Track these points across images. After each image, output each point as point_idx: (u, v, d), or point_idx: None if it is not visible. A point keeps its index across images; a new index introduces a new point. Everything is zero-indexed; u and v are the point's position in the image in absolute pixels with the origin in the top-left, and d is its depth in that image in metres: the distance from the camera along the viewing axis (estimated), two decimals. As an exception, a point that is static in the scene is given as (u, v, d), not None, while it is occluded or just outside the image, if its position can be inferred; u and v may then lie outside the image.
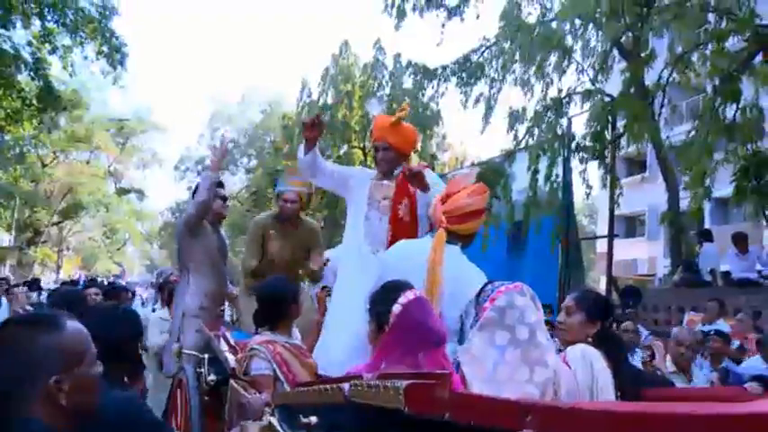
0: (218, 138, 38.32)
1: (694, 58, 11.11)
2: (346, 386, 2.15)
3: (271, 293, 3.78)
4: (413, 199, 4.20)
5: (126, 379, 2.95)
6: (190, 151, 39.24)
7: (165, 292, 7.65)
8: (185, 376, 4.30)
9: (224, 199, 5.35)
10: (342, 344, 3.81)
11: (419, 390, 1.72)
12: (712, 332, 7.59)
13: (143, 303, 11.05)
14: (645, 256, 27.96)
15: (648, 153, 25.68)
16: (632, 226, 30.10)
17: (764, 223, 11.87)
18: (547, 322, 3.12)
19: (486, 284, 2.99)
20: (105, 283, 16.51)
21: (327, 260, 5.24)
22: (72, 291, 5.20)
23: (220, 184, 5.33)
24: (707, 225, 16.06)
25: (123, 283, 21.48)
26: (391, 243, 3.90)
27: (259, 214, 6.42)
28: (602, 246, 27.00)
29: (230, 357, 3.85)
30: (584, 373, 3.11)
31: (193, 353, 4.45)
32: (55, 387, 1.72)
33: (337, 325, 3.97)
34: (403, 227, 4.07)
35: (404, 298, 2.61)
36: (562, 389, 2.81)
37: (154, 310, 7.83)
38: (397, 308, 2.58)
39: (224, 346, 4.09)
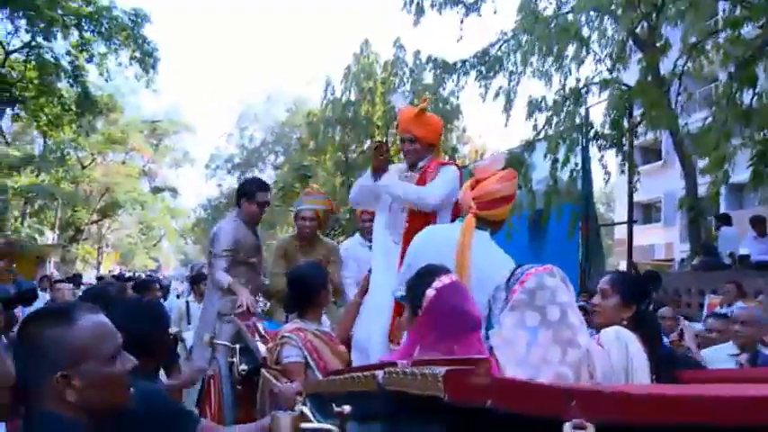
0: (246, 136, 38.59)
1: (708, 46, 10.82)
2: (380, 374, 2.01)
3: (300, 278, 3.66)
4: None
5: (163, 371, 2.84)
6: (219, 150, 39.38)
7: (200, 285, 7.59)
8: (218, 366, 4.22)
9: (264, 204, 5.14)
10: (371, 335, 3.75)
11: (459, 376, 1.56)
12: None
13: (178, 296, 11.00)
14: (662, 241, 27.57)
15: (664, 141, 25.32)
16: (649, 212, 29.73)
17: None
18: (580, 308, 2.98)
19: (515, 268, 2.84)
20: (143, 277, 16.57)
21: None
22: (101, 287, 5.09)
23: (264, 187, 5.19)
24: (722, 210, 15.79)
25: (161, 278, 21.64)
26: (407, 234, 3.81)
27: (287, 209, 6.34)
28: (620, 232, 26.72)
29: (261, 347, 3.74)
30: (618, 355, 2.96)
31: (225, 343, 4.34)
32: (62, 381, 1.60)
33: (367, 316, 3.88)
34: (418, 217, 3.92)
35: (438, 282, 2.45)
36: (597, 370, 2.67)
37: (187, 303, 7.77)
38: (431, 292, 2.43)
39: (255, 336, 3.98)
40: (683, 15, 8.96)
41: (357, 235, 5.41)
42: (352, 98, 26.73)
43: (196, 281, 7.85)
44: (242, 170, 38.58)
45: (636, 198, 23.31)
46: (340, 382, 2.38)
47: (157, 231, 43.45)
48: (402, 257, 3.63)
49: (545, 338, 2.51)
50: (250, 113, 39.06)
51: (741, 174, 11.01)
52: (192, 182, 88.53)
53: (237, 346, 4.06)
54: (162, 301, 8.65)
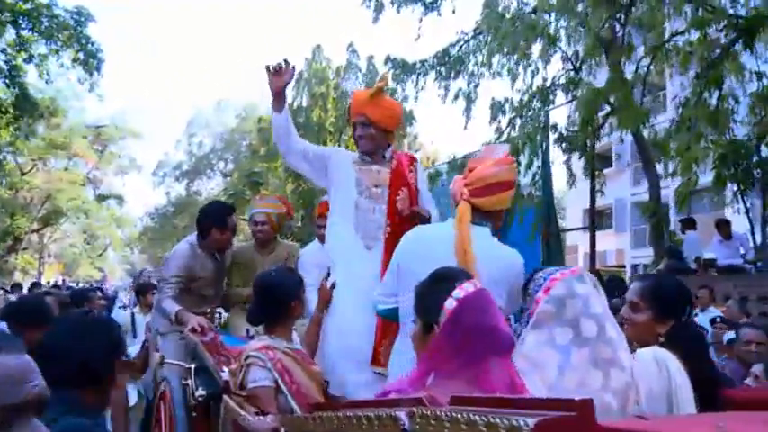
0: (195, 143, 37.60)
1: (672, 47, 10.60)
2: (403, 416, 1.41)
3: (269, 286, 3.02)
4: (412, 189, 3.55)
5: (95, 400, 2.16)
6: (168, 157, 38.42)
7: (147, 296, 6.89)
8: (169, 388, 3.55)
9: (235, 229, 4.61)
10: (338, 351, 3.29)
11: (561, 427, 1.00)
12: (717, 319, 7.06)
13: (124, 307, 10.15)
14: (613, 247, 27.69)
15: (613, 148, 25.49)
16: (600, 219, 29.85)
17: (743, 209, 11.38)
18: None
19: (535, 272, 2.36)
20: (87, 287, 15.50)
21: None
22: (35, 299, 4.35)
23: (233, 210, 4.68)
24: (672, 215, 15.73)
25: (106, 288, 20.51)
26: (389, 240, 3.29)
27: (239, 217, 5.80)
28: (570, 238, 26.82)
29: (222, 368, 3.10)
30: (659, 380, 2.40)
31: (178, 363, 3.68)
32: None
33: (338, 337, 3.34)
34: (403, 221, 3.38)
35: (460, 290, 1.88)
36: (642, 396, 2.19)
37: (133, 315, 7.02)
38: (451, 303, 1.86)
39: (215, 355, 3.37)
40: (652, 14, 8.63)
41: (316, 241, 4.79)
42: (304, 104, 26.53)
43: (142, 291, 7.08)
44: (190, 177, 37.65)
45: (585, 205, 23.39)
46: (336, 421, 1.76)
47: (103, 241, 41.91)
48: (385, 266, 3.08)
49: (580, 359, 2.11)
50: (200, 120, 38.29)
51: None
52: (138, 190, 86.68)
53: (193, 365, 3.43)
54: (106, 312, 7.84)
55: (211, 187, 37.43)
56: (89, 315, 2.46)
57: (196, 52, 79.63)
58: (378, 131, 3.54)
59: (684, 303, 2.71)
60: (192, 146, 38.04)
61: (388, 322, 3.05)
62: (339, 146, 26.24)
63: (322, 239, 4.39)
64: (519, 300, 2.52)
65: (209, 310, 4.52)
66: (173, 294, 4.20)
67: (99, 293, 6.78)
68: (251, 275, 4.49)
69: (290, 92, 16.55)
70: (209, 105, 39.06)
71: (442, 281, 1.95)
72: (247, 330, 3.99)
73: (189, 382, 3.32)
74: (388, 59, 13.60)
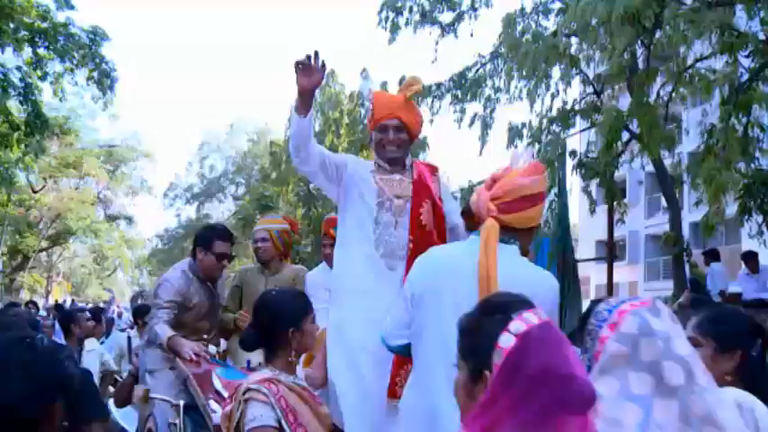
0: (207, 166, 37.49)
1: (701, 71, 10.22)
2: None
3: (265, 308, 2.56)
4: (437, 201, 3.17)
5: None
6: (179, 179, 38.32)
7: (145, 318, 6.45)
8: (154, 425, 3.10)
9: (223, 257, 4.14)
10: (351, 391, 2.90)
11: None
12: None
13: (124, 330, 9.73)
14: (626, 280, 27.09)
15: (627, 178, 25.09)
16: (612, 250, 29.37)
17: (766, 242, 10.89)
18: None
19: (595, 303, 2.03)
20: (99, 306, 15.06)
21: None
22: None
23: (224, 236, 4.18)
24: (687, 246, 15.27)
25: (116, 309, 20.06)
26: (411, 259, 2.81)
27: (248, 241, 5.49)
28: (582, 270, 26.22)
29: (215, 407, 2.68)
30: (744, 428, 1.95)
31: (165, 398, 3.22)
32: None
33: (344, 368, 2.94)
34: (426, 237, 3.01)
35: (519, 322, 1.42)
36: None
37: (129, 338, 6.59)
38: (507, 340, 1.39)
39: (207, 391, 2.92)
40: (676, 36, 8.23)
41: (323, 263, 4.38)
42: (317, 128, 26.43)
43: (139, 313, 6.63)
44: (201, 200, 37.52)
45: (598, 236, 23.00)
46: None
47: (112, 261, 41.69)
48: None
49: (666, 415, 1.66)
50: (212, 142, 38.26)
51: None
52: (149, 211, 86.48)
53: (181, 402, 2.99)
54: (104, 337, 7.34)
55: (222, 210, 37.34)
56: (22, 341, 1.70)
57: (210, 75, 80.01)
58: (409, 138, 3.18)
59: (752, 333, 2.32)
60: (203, 168, 38.04)
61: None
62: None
63: (329, 260, 4.00)
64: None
65: (205, 336, 4.08)
66: (166, 320, 3.80)
67: (88, 315, 6.26)
68: (252, 299, 4.16)
69: None
70: (221, 128, 39.00)
71: (493, 311, 1.49)
72: (248, 362, 3.67)
73: (177, 421, 2.86)
74: (402, 81, 13.26)
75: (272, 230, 4.35)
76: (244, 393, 2.36)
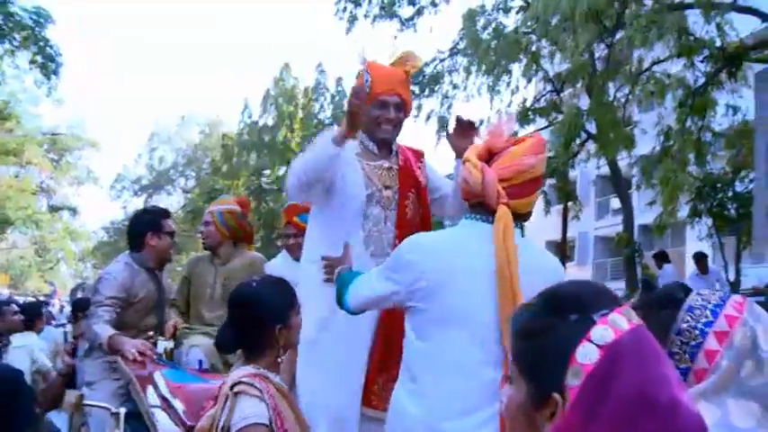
0: (156, 157, 36.57)
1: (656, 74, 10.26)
2: None
3: (246, 301, 2.17)
4: (422, 191, 2.83)
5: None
6: (127, 170, 37.28)
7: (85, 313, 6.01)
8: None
9: (173, 234, 3.79)
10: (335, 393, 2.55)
11: None
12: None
13: (62, 325, 9.17)
14: (574, 280, 27.34)
15: (579, 179, 25.37)
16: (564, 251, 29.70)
17: (717, 243, 11.04)
18: None
19: (687, 296, 1.54)
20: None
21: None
22: None
23: (168, 214, 3.91)
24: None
25: (56, 303, 19.24)
26: None
27: (196, 235, 5.03)
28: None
29: (161, 416, 2.36)
30: None
31: (101, 405, 2.88)
32: None
33: (325, 368, 2.58)
34: (411, 228, 2.65)
35: (604, 327, 1.00)
36: None
37: (65, 334, 6.13)
38: (589, 353, 0.99)
39: (153, 396, 2.55)
40: (644, 34, 8.18)
41: (284, 252, 3.97)
42: (270, 123, 25.99)
43: (79, 307, 6.17)
44: (149, 192, 36.63)
45: (548, 237, 23.17)
46: None
47: (54, 254, 40.30)
48: None
49: None
50: (162, 134, 37.36)
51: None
52: (95, 202, 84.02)
53: (122, 410, 2.71)
54: (39, 331, 6.84)
55: (171, 203, 36.42)
56: None
57: (161, 65, 77.81)
58: (405, 118, 2.82)
59: None
60: (152, 160, 37.10)
61: (385, 353, 2.41)
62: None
63: (293, 251, 3.69)
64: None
65: (151, 333, 3.60)
66: (107, 319, 3.39)
67: (15, 307, 5.78)
68: (200, 292, 3.85)
69: (255, 109, 15.95)
70: (172, 120, 38.08)
71: (566, 309, 1.04)
72: (200, 362, 3.38)
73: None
74: (358, 76, 13.01)
75: (214, 212, 3.90)
76: (233, 387, 2.00)
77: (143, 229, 3.68)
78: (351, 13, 12.22)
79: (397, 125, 2.76)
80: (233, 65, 62.85)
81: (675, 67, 10.28)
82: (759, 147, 9.40)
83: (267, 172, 26.21)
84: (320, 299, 2.52)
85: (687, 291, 1.56)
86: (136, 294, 3.54)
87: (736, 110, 10.61)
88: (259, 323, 2.11)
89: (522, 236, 2.08)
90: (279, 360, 2.14)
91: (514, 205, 1.98)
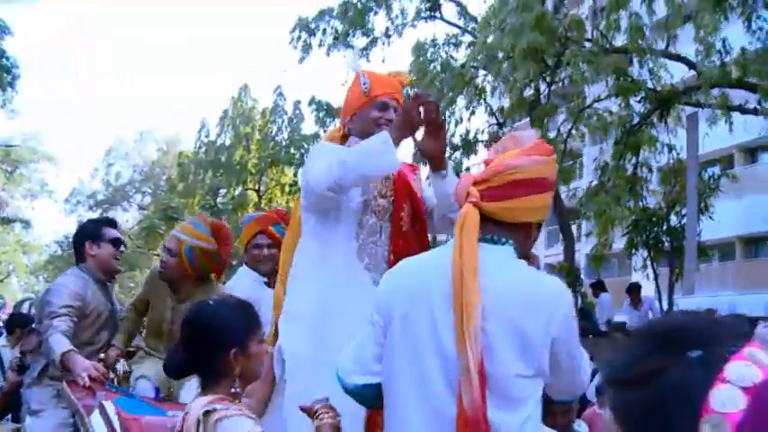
0: (113, 173, 36.04)
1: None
2: None
3: (197, 321, 1.95)
4: (418, 204, 2.58)
5: None
6: (82, 185, 36.58)
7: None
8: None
9: (118, 243, 3.53)
10: None
11: None
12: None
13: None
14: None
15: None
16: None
17: (652, 274, 11.41)
18: None
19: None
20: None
21: None
22: None
23: (111, 222, 3.69)
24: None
25: (4, 316, 18.68)
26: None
27: (151, 251, 4.63)
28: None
29: None
30: None
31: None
32: None
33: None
34: (407, 243, 2.45)
35: (746, 364, 0.76)
36: None
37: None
38: (730, 398, 0.74)
39: (100, 426, 2.37)
40: (582, 74, 8.53)
41: (245, 268, 3.49)
42: (227, 142, 25.94)
43: (14, 323, 6.03)
44: (105, 208, 36.02)
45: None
46: None
47: (5, 266, 39.24)
48: None
49: None
50: (120, 149, 36.80)
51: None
52: (48, 216, 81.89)
53: None
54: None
55: (126, 219, 35.85)
56: None
57: (120, 81, 76.45)
58: None
59: None
60: (109, 175, 36.51)
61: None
62: (259, 189, 25.66)
63: (264, 264, 3.35)
64: (577, 368, 1.70)
65: (102, 354, 3.27)
66: (64, 329, 3.05)
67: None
68: (156, 322, 3.52)
69: (213, 129, 15.79)
70: (130, 136, 37.61)
71: (684, 343, 0.81)
72: (156, 390, 3.10)
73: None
74: (312, 101, 13.16)
75: (183, 243, 3.33)
76: (206, 414, 1.74)
77: (82, 239, 3.49)
78: (305, 42, 12.37)
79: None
80: (193, 83, 62.34)
81: (615, 105, 10.69)
82: (690, 184, 9.83)
83: (223, 191, 26.09)
84: (317, 325, 2.31)
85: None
86: (88, 305, 3.27)
87: (671, 148, 11.06)
88: (211, 345, 1.87)
89: (520, 258, 1.73)
90: (233, 390, 1.88)
91: (494, 209, 1.70)
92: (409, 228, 2.50)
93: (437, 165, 2.42)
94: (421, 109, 2.27)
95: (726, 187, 11.51)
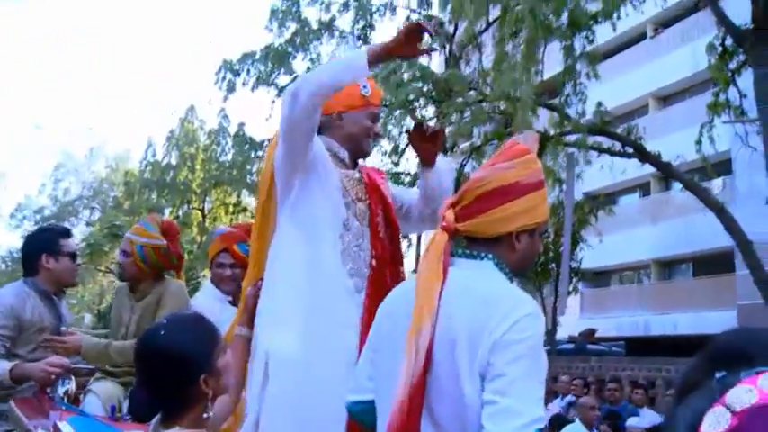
0: (61, 188, 36.25)
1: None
2: None
3: (157, 353, 1.72)
4: (390, 210, 2.49)
5: None
6: (29, 200, 36.63)
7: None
8: None
9: (75, 256, 3.36)
10: None
11: None
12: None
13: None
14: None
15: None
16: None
17: (539, 298, 12.79)
18: None
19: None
20: None
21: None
22: None
23: (67, 233, 3.42)
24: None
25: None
26: (373, 279, 2.31)
27: (94, 268, 4.60)
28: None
29: None
30: None
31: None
32: None
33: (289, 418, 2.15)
34: (384, 248, 2.40)
35: (749, 388, 0.75)
36: None
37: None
38: (720, 419, 0.74)
39: None
40: (466, 122, 9.85)
41: (208, 284, 3.57)
42: (173, 162, 26.47)
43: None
44: (51, 223, 36.03)
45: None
46: None
47: (-52, 281, 38.88)
48: (368, 322, 1.99)
49: None
50: (69, 165, 36.96)
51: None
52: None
53: None
54: None
55: (74, 234, 35.94)
56: None
57: (70, 99, 75.49)
58: None
59: None
60: (57, 191, 36.59)
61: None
62: (204, 209, 26.30)
63: (227, 283, 3.36)
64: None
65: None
66: (2, 353, 2.93)
67: None
68: (114, 329, 3.42)
69: (160, 149, 16.41)
70: (80, 152, 37.78)
71: (719, 360, 0.83)
72: (112, 408, 2.92)
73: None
74: (236, 135, 14.19)
75: (134, 243, 3.32)
76: None
77: (38, 251, 3.21)
78: (229, 81, 13.45)
79: (376, 136, 2.57)
80: (141, 102, 62.10)
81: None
82: (567, 219, 11.19)
83: (167, 211, 26.63)
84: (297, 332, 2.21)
85: None
86: (27, 318, 3.05)
87: (561, 182, 12.40)
88: (176, 379, 1.70)
89: (507, 275, 1.68)
90: (206, 416, 1.74)
91: (470, 227, 1.67)
92: (384, 233, 2.42)
93: (428, 162, 2.51)
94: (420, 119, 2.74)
95: (642, 213, 12.71)
